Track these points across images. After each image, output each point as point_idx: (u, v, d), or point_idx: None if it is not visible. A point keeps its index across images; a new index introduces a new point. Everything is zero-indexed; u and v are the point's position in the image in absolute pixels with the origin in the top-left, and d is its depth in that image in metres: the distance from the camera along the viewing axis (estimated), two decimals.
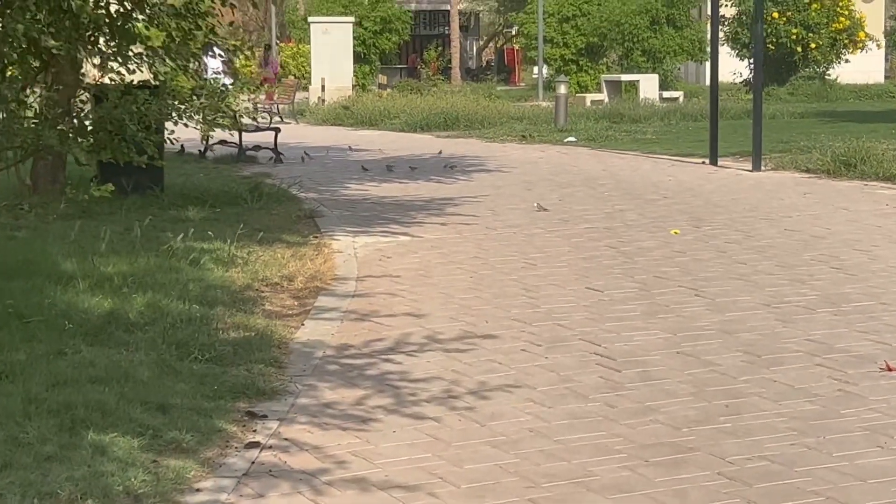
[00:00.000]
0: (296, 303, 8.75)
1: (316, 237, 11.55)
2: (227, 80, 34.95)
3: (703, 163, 18.05)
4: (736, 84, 38.58)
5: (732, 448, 5.45)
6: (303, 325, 7.99)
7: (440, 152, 20.19)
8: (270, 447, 5.56)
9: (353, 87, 35.45)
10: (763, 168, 16.87)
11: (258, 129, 19.59)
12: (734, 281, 9.15)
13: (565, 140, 22.72)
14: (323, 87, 34.66)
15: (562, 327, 7.74)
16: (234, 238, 10.76)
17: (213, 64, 39.47)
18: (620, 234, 11.48)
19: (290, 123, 30.59)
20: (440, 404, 6.18)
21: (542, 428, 5.77)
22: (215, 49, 9.83)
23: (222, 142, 20.04)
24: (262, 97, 34.91)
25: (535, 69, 56.48)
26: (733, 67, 38.36)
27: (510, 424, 5.83)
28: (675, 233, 11.42)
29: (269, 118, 30.14)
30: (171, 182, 14.66)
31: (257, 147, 19.55)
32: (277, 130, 19.43)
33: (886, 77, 48.54)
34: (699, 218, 12.45)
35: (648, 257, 10.22)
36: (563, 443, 5.55)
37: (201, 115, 9.01)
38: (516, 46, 61.69)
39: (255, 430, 5.81)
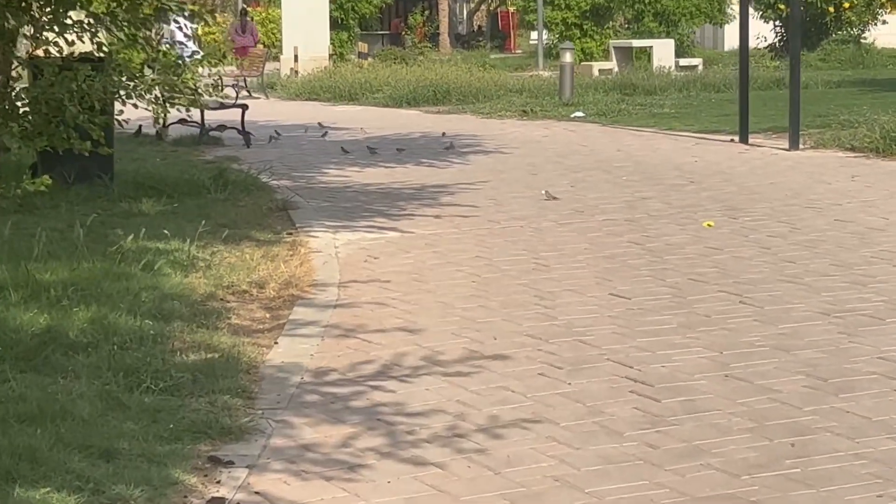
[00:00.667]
0: (268, 315, 8.22)
1: (290, 234, 11.01)
2: (191, 50, 34.25)
3: (732, 141, 17.53)
4: (760, 49, 38.07)
5: (805, 501, 4.93)
6: (276, 343, 7.45)
7: (444, 134, 19.54)
8: None
9: (330, 56, 34.86)
10: (801, 146, 16.35)
11: (222, 106, 18.98)
12: (784, 284, 8.62)
13: (572, 115, 22.19)
14: (296, 58, 34.08)
15: (585, 344, 7.21)
16: (196, 236, 10.21)
17: (179, 36, 38.89)
18: (645, 227, 10.95)
19: (259, 99, 30.03)
20: (444, 445, 5.64)
21: (570, 476, 5.24)
22: (179, 18, 9.26)
23: (182, 121, 19.46)
24: (234, 70, 34.33)
25: (534, 35, 55.93)
26: (757, 31, 37.86)
27: (530, 472, 5.30)
28: (709, 225, 10.89)
29: (235, 94, 29.69)
30: (123, 169, 14.09)
31: (222, 127, 18.98)
32: (244, 108, 18.87)
33: None
34: (734, 207, 11.92)
35: (680, 255, 9.69)
36: (596, 495, 5.03)
37: (154, 92, 8.41)
38: (511, 9, 61.11)
39: (218, 482, 5.27)
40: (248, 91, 30.66)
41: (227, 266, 9.47)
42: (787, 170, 14.56)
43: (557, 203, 12.43)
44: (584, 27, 39.94)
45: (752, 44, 42.27)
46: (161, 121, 18.98)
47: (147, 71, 10.01)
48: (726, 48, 50.11)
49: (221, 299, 8.56)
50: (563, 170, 15.07)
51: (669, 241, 10.26)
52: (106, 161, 13.34)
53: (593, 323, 7.70)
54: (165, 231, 10.74)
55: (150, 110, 8.50)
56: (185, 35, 37.73)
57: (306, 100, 28.92)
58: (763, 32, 36.77)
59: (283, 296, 8.67)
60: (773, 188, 13.08)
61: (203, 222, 11.07)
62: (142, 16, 8.45)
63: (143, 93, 8.06)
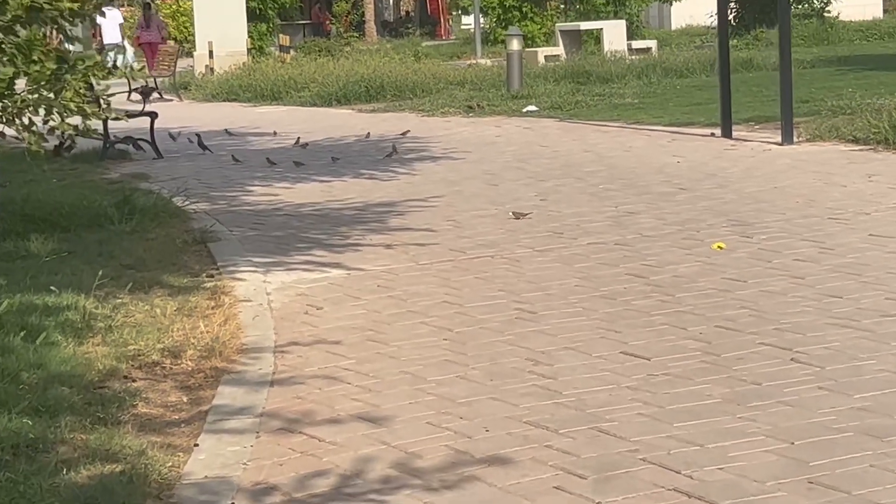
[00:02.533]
0: (185, 398, 6.65)
1: (211, 276, 9.42)
2: (130, 53, 32.28)
3: (713, 135, 16.09)
4: (713, 28, 36.81)
5: None
6: (196, 446, 5.87)
7: (368, 135, 18.08)
8: None
9: (249, 51, 33.15)
10: (795, 139, 14.92)
11: (128, 114, 17.33)
12: (838, 330, 7.13)
13: (524, 110, 20.69)
14: (211, 54, 32.35)
15: (608, 436, 5.67)
16: (94, 285, 8.61)
17: (114, 36, 36.74)
18: (641, 252, 9.45)
19: (171, 101, 28.34)
20: None
21: None
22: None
23: (81, 132, 17.79)
24: (141, 69, 32.56)
25: (466, 19, 54.47)
26: (708, 7, 36.60)
27: None
28: (720, 247, 9.40)
29: (142, 100, 27.95)
30: (10, 195, 12.44)
31: (129, 139, 17.30)
32: (153, 116, 17.20)
33: (885, 11, 47.02)
34: (741, 220, 10.44)
35: (695, 291, 8.18)
36: None
37: (24, 117, 6.76)
38: None
39: None
40: (160, 93, 28.96)
41: (133, 327, 7.89)
42: (787, 169, 13.11)
43: (529, 222, 10.91)
44: (524, 10, 38.51)
45: (702, 21, 41.27)
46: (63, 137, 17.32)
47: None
48: (674, 27, 48.97)
49: (125, 377, 6.99)
50: (526, 178, 13.54)
51: (677, 272, 8.75)
52: None
53: (610, 399, 6.17)
54: (57, 277, 9.18)
55: (21, 138, 6.85)
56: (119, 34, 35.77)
57: (224, 100, 27.26)
58: (714, 8, 35.45)
59: (203, 368, 7.09)
60: (779, 194, 11.62)
61: (103, 266, 9.52)
62: (8, 17, 6.83)
63: (11, 116, 6.43)
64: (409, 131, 18.25)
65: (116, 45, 36.10)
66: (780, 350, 6.80)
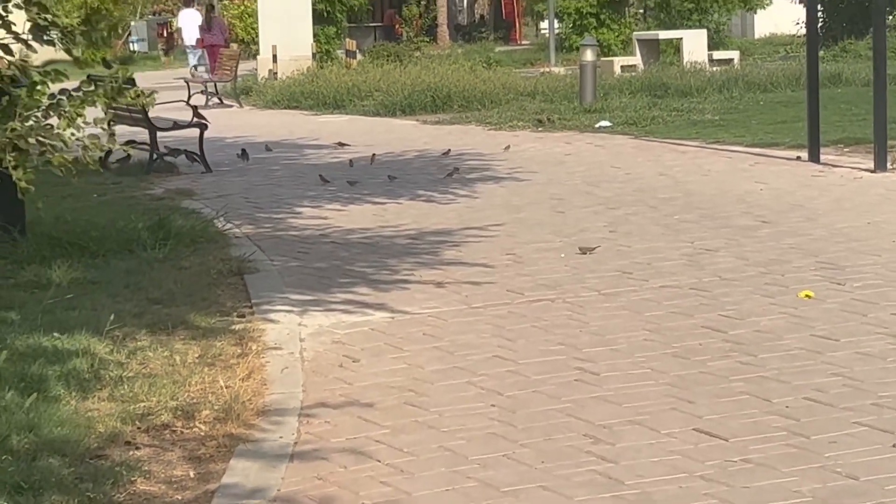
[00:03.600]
0: (192, 472, 5.90)
1: (242, 316, 8.67)
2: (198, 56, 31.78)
3: (799, 159, 15.16)
4: (798, 37, 35.78)
5: None
6: None
7: (448, 152, 17.22)
8: None
9: (314, 55, 32.48)
10: (889, 166, 13.98)
11: (176, 126, 16.73)
12: None
13: (597, 125, 19.83)
14: (274, 58, 31.73)
15: None
16: (109, 323, 7.91)
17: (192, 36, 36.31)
18: (719, 300, 8.59)
19: (231, 107, 27.77)
20: None
21: None
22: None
23: (130, 143, 17.14)
24: (203, 72, 32.00)
25: (542, 24, 53.60)
26: (795, 15, 35.57)
27: None
28: (807, 296, 8.52)
29: (204, 101, 27.37)
30: (40, 215, 11.72)
31: (176, 151, 16.63)
32: (203, 127, 16.52)
33: None
34: (832, 263, 9.55)
35: (780, 352, 7.32)
36: None
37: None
38: None
39: None
40: (220, 98, 28.42)
41: (147, 378, 7.17)
42: (881, 201, 12.18)
43: (596, 258, 10.07)
44: (601, 17, 37.63)
45: (788, 29, 40.17)
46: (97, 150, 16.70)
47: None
48: (757, 35, 47.87)
49: (128, 442, 6.26)
50: (596, 204, 12.70)
51: (760, 326, 7.89)
52: (14, 206, 11.04)
53: (680, 494, 5.34)
54: (74, 312, 8.49)
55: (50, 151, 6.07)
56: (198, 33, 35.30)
57: (286, 108, 26.59)
58: (802, 17, 34.37)
59: (217, 435, 6.34)
60: (873, 231, 10.71)
61: (126, 303, 8.83)
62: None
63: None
64: (449, 151, 17.32)
65: (193, 47, 35.80)
66: (880, 433, 5.93)
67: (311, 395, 6.92)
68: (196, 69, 33.32)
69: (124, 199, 13.99)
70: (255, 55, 36.22)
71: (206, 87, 28.48)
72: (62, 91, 6.37)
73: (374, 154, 17.02)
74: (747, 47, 37.42)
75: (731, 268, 9.54)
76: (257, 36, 35.44)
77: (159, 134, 16.59)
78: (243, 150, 17.31)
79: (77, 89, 6.35)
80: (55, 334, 7.95)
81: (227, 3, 48.82)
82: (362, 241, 11.26)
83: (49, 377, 7.08)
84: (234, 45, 34.13)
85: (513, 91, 24.79)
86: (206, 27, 34.75)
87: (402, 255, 10.57)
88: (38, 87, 5.81)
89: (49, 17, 5.90)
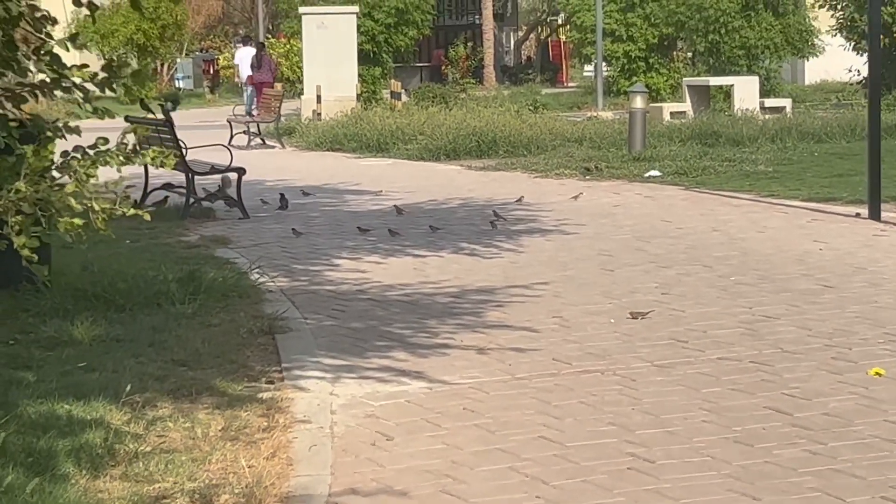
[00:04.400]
0: None
1: (271, 382, 8.12)
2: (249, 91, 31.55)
3: (858, 216, 14.54)
4: (852, 85, 35.20)
5: None
6: None
7: (521, 199, 16.72)
8: None
9: (359, 96, 32.07)
10: None
11: (214, 170, 16.27)
12: None
13: (646, 175, 19.26)
14: (319, 98, 31.32)
15: None
16: (128, 389, 7.40)
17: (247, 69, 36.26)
18: (782, 375, 7.98)
19: (273, 148, 27.35)
20: None
21: None
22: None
23: (167, 186, 16.73)
24: (243, 114, 31.66)
25: (588, 67, 53.13)
26: (848, 63, 34.98)
27: None
28: (878, 374, 7.91)
29: (246, 141, 26.94)
30: (68, 264, 11.29)
31: (213, 197, 16.15)
32: (241, 172, 16.03)
33: None
34: None
35: (852, 438, 6.71)
36: None
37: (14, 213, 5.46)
38: (563, 38, 58.40)
39: None
40: (262, 139, 28.01)
41: (165, 454, 6.63)
42: None
43: (648, 324, 9.48)
44: (650, 61, 37.13)
45: (839, 76, 39.48)
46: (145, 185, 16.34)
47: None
48: (807, 82, 47.25)
49: None
50: (647, 262, 12.11)
51: (827, 408, 7.27)
52: (41, 256, 10.55)
53: None
54: (92, 375, 7.98)
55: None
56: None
57: (328, 149, 26.12)
58: (857, 65, 33.76)
59: None
60: None
61: (149, 363, 8.33)
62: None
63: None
64: (522, 198, 16.86)
65: (246, 84, 35.70)
66: None
67: (339, 479, 6.35)
68: (251, 108, 33.08)
69: (157, 247, 13.49)
70: (299, 94, 35.87)
71: (248, 127, 28.09)
72: (76, 148, 5.85)
73: (381, 190, 16.54)
74: (798, 94, 36.83)
75: (794, 338, 8.93)
76: (302, 75, 35.09)
77: (197, 178, 16.13)
78: (282, 196, 16.83)
79: (93, 146, 5.82)
80: (70, 400, 7.46)
81: (273, 41, 48.59)
82: (401, 299, 10.70)
83: (59, 452, 6.56)
84: (278, 85, 33.75)
85: (559, 137, 24.28)
86: (255, 65, 34.48)
87: (442, 315, 10.01)
88: (48, 146, 5.27)
89: (60, 70, 5.38)
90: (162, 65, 49.17)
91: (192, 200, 16.02)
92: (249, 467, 6.46)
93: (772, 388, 7.70)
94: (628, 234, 13.91)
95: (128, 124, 17.36)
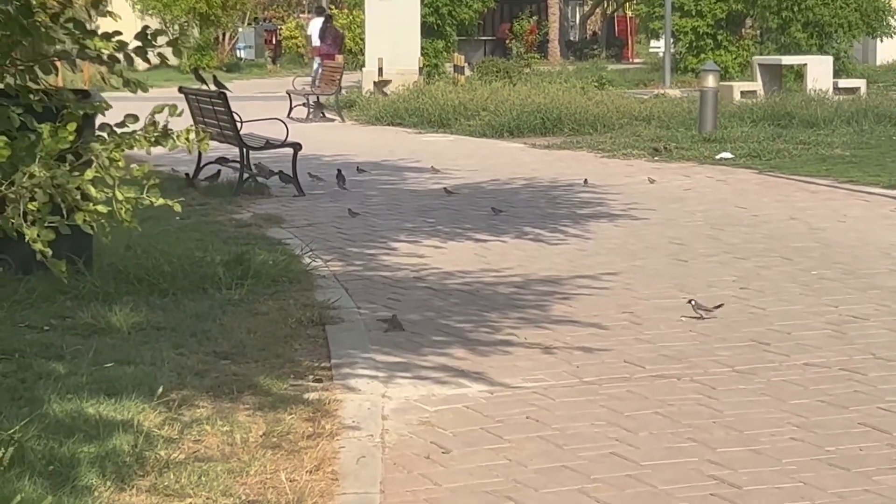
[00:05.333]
0: None
1: (319, 381, 7.50)
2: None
3: None
4: None
5: None
6: None
7: (586, 182, 16.02)
8: None
9: (421, 69, 31.35)
10: None
11: (269, 144, 15.65)
12: None
13: (718, 157, 18.47)
14: (380, 71, 30.64)
15: None
16: (159, 391, 6.81)
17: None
18: (877, 387, 7.27)
19: (333, 121, 26.71)
20: None
21: None
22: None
23: (221, 160, 16.14)
24: (305, 86, 31.08)
25: (654, 42, 52.10)
26: None
27: None
28: None
29: (306, 114, 26.34)
30: (115, 240, 10.66)
31: (269, 172, 15.52)
32: (297, 148, 15.40)
33: None
34: None
35: None
36: None
37: (29, 200, 4.82)
38: (629, 14, 57.39)
39: None
40: (322, 112, 27.36)
41: (198, 463, 6.01)
42: None
43: (727, 323, 8.76)
44: (718, 37, 36.17)
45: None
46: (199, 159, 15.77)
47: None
48: (878, 62, 46.10)
49: None
50: (722, 252, 11.39)
51: None
52: (82, 235, 9.96)
53: None
54: (128, 368, 7.40)
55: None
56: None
57: (389, 124, 25.46)
58: None
59: None
60: None
61: (191, 355, 7.74)
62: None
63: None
64: (587, 181, 16.16)
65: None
66: None
67: (389, 499, 5.72)
68: (318, 80, 32.51)
69: (207, 224, 12.89)
70: (361, 67, 35.21)
71: (307, 99, 27.45)
72: (101, 127, 5.22)
73: (433, 167, 15.86)
74: (870, 74, 35.73)
75: (886, 343, 8.20)
76: (364, 47, 34.42)
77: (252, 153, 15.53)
78: (339, 172, 16.20)
79: (120, 124, 5.19)
80: (101, 398, 6.87)
81: (336, 11, 47.92)
82: (461, 288, 10.04)
83: (82, 460, 5.96)
84: (339, 57, 33.09)
85: (626, 115, 23.47)
86: (321, 36, 33.88)
87: (504, 307, 9.34)
88: (68, 125, 4.63)
89: (81, 38, 4.74)
90: (224, 34, 48.50)
91: (245, 176, 15.41)
92: (291, 482, 5.85)
93: (866, 402, 6.99)
94: (701, 220, 13.19)
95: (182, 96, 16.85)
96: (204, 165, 16.11)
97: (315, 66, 35.32)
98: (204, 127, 16.01)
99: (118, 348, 7.98)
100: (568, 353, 8.06)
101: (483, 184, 16.12)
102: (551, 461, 6.13)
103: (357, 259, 11.32)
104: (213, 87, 14.03)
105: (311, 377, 7.57)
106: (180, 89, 16.97)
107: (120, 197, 4.71)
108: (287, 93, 27.40)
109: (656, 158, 18.74)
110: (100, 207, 5.03)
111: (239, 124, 15.32)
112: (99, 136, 4.93)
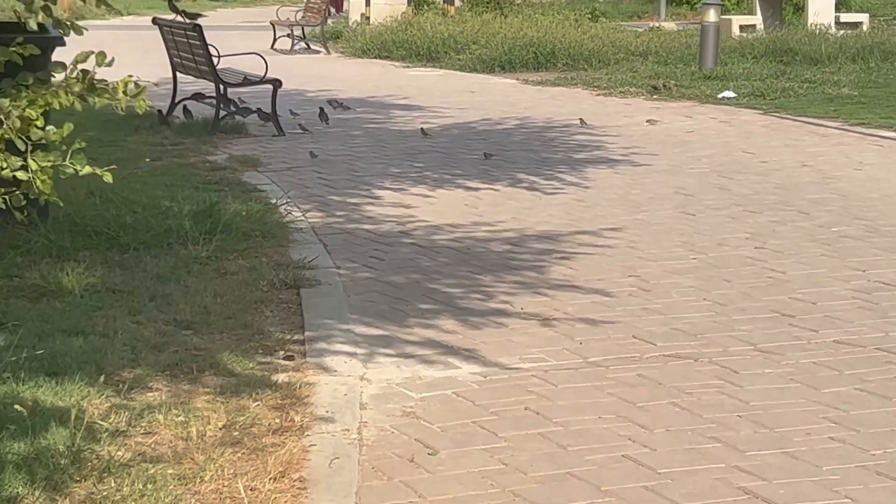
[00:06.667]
0: None
1: (290, 358, 6.62)
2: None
3: None
4: None
5: None
6: None
7: (582, 121, 15.09)
8: None
9: (410, 0, 30.30)
10: None
11: (247, 81, 14.70)
12: None
13: (720, 95, 17.55)
14: (368, 1, 29.57)
15: None
16: (114, 362, 5.95)
17: None
18: None
19: (319, 53, 25.72)
20: None
21: None
22: None
23: (197, 96, 15.18)
24: (289, 16, 30.11)
25: None
26: None
27: None
28: None
29: (290, 45, 25.32)
30: (71, 191, 9.76)
31: (246, 110, 14.57)
32: (277, 85, 14.44)
33: None
34: None
35: None
36: None
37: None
38: None
39: None
40: (307, 43, 26.36)
41: (146, 464, 5.16)
42: None
43: (745, 291, 7.88)
44: None
45: None
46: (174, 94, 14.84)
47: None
48: None
49: None
50: (732, 205, 10.49)
51: None
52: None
53: None
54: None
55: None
56: None
57: (375, 57, 24.46)
58: None
59: None
60: None
61: (148, 326, 6.86)
62: None
63: None
64: (582, 121, 15.24)
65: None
66: None
67: None
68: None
69: (179, 168, 11.98)
70: None
71: (292, 30, 26.42)
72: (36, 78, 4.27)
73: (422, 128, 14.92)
74: (873, 8, 34.68)
75: None
76: None
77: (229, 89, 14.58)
78: (321, 110, 15.25)
79: (46, 74, 4.26)
80: (41, 379, 6.00)
81: None
82: (450, 245, 9.14)
83: (8, 462, 5.08)
84: None
85: (622, 49, 22.53)
86: None
87: (498, 269, 8.44)
88: None
89: None
90: None
91: (222, 114, 14.45)
92: (251, 491, 4.98)
93: None
94: (706, 167, 12.28)
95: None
96: (180, 101, 15.15)
97: None
98: (181, 60, 15.15)
99: (67, 315, 7.09)
100: (569, 325, 7.18)
101: (473, 123, 15.20)
102: (555, 467, 5.26)
103: (338, 209, 10.41)
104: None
105: (281, 353, 6.69)
106: (154, 20, 15.98)
107: (34, 166, 3.79)
108: (271, 23, 26.39)
109: (655, 97, 17.81)
110: (20, 174, 4.13)
111: (216, 59, 14.38)
112: (10, 91, 4.00)
